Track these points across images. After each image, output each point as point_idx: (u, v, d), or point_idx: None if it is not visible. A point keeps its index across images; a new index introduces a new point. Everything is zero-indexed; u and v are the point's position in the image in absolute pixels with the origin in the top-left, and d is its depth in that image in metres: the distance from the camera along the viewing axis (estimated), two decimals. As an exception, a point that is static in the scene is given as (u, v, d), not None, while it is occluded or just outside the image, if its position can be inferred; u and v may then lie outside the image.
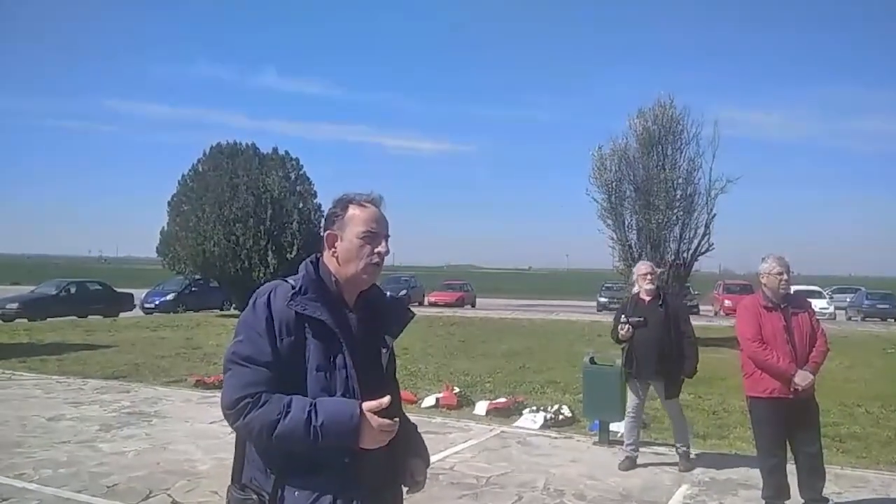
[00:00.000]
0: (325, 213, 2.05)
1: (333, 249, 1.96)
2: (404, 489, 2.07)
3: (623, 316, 5.96)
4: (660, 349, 5.81)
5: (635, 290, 6.22)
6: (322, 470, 1.81)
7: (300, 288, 1.88)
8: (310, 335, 1.84)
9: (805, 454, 4.66)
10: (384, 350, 1.98)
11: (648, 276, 6.04)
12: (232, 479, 1.95)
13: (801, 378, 4.44)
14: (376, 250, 1.96)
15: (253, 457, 1.88)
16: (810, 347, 4.57)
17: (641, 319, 5.87)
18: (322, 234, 2.03)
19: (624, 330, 5.89)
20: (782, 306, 4.61)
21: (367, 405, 1.79)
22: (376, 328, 1.99)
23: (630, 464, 5.96)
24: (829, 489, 5.35)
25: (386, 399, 1.82)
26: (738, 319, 4.76)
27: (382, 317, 2.02)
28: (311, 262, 1.98)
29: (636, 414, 6.08)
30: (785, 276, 4.59)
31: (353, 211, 1.97)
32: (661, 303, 5.99)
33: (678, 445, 6.03)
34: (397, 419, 1.85)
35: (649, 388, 6.02)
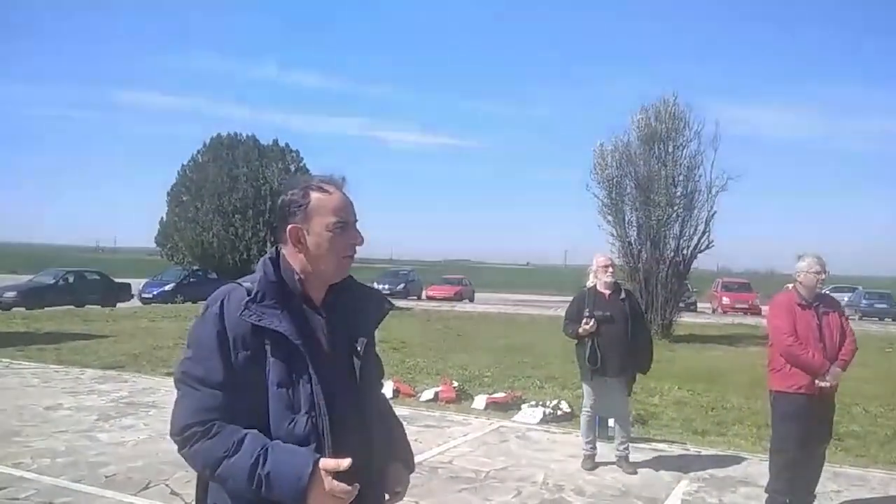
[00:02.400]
0: (281, 200, 1.75)
1: (300, 245, 1.71)
2: (385, 497, 1.86)
3: (587, 310, 5.74)
4: (624, 345, 5.71)
5: (590, 283, 6.01)
6: None
7: (255, 294, 1.65)
8: (269, 348, 1.63)
9: (818, 453, 4.71)
10: (356, 357, 1.75)
11: (609, 269, 5.93)
12: (196, 501, 1.77)
13: (833, 376, 4.49)
14: (350, 242, 1.76)
15: None
16: (840, 346, 4.61)
17: (608, 314, 5.73)
18: (280, 226, 1.75)
19: (589, 325, 5.66)
20: (815, 305, 4.64)
21: (324, 463, 1.56)
22: (347, 329, 1.76)
23: (592, 463, 5.86)
24: (827, 487, 5.37)
25: (345, 462, 1.57)
26: (773, 315, 4.78)
27: (354, 314, 1.80)
28: (271, 258, 1.75)
29: (594, 412, 5.94)
30: (823, 276, 4.64)
31: (317, 198, 1.72)
32: (622, 297, 5.91)
33: (623, 447, 5.86)
34: (356, 485, 1.59)
35: (606, 384, 5.82)
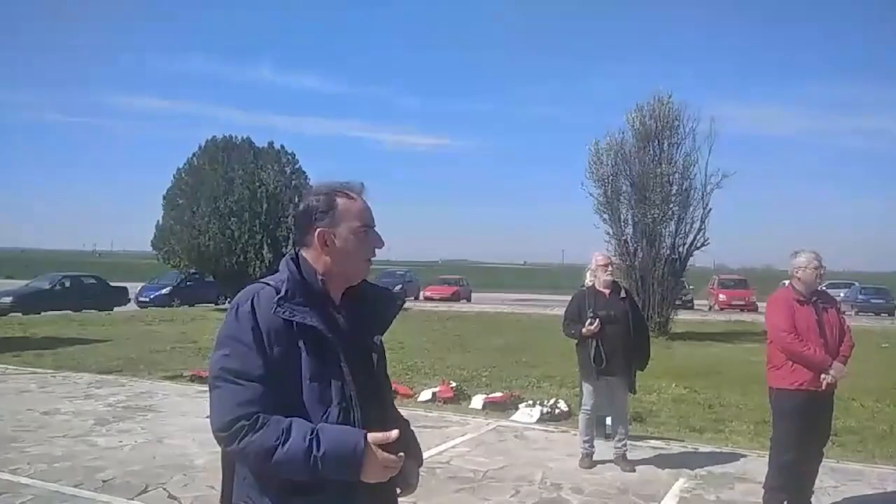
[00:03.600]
0: (305, 205, 1.85)
1: (326, 247, 1.79)
2: (397, 490, 1.94)
3: (590, 311, 5.74)
4: (627, 344, 5.73)
5: (589, 282, 6.02)
6: (324, 487, 1.68)
7: (286, 291, 1.72)
8: (301, 344, 1.70)
9: (816, 450, 4.71)
10: (374, 351, 1.86)
11: (608, 268, 5.93)
12: (222, 499, 1.83)
13: (837, 371, 4.49)
14: (372, 246, 1.86)
15: (246, 474, 1.74)
16: (839, 341, 4.61)
17: (612, 314, 5.73)
18: (304, 229, 1.83)
19: (594, 325, 5.66)
20: (813, 300, 4.64)
21: (372, 437, 1.66)
22: (364, 326, 1.86)
23: (590, 461, 5.87)
24: (825, 483, 5.38)
25: (394, 433, 1.70)
26: (771, 312, 4.75)
27: (369, 312, 1.89)
28: (293, 259, 1.82)
29: (594, 411, 5.95)
30: (821, 271, 4.64)
31: (343, 203, 1.82)
32: (622, 296, 5.91)
33: (621, 445, 5.87)
34: (402, 454, 1.72)
35: (608, 383, 5.82)
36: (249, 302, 1.72)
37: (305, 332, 1.70)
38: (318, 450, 1.61)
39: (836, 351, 4.56)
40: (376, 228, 1.88)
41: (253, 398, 1.64)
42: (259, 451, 1.62)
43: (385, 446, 1.68)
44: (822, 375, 4.48)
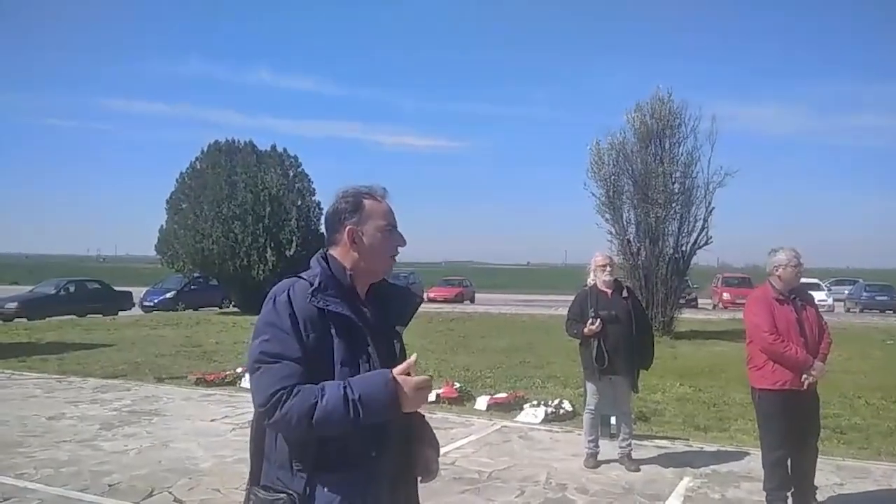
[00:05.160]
0: (334, 207, 2.02)
1: (354, 244, 1.95)
2: (419, 479, 2.08)
3: (592, 310, 5.73)
4: (630, 343, 5.73)
5: (590, 281, 6.00)
6: (352, 464, 1.81)
7: (319, 284, 1.88)
8: (333, 331, 1.85)
9: (810, 446, 4.69)
10: (396, 340, 2.03)
11: (607, 268, 5.92)
12: (251, 482, 1.92)
13: (818, 370, 4.49)
14: (396, 244, 2.02)
15: (274, 456, 1.86)
16: (819, 339, 4.60)
17: (613, 314, 5.72)
18: (334, 228, 2.00)
19: (595, 325, 5.65)
20: (792, 298, 4.62)
21: (396, 370, 1.81)
22: (387, 318, 2.02)
23: (595, 461, 5.86)
24: (830, 480, 5.38)
25: (413, 358, 1.87)
26: (751, 312, 4.72)
27: (391, 306, 2.05)
28: (323, 257, 1.99)
29: (598, 411, 5.94)
30: (801, 269, 4.63)
31: (369, 205, 1.99)
32: (625, 295, 5.91)
33: (626, 445, 5.87)
34: (430, 374, 1.86)
35: (611, 382, 5.83)
36: (286, 293, 1.87)
37: (337, 320, 1.86)
38: (353, 394, 1.74)
39: (815, 349, 4.55)
40: (399, 229, 2.05)
41: (291, 374, 1.78)
42: (301, 412, 1.73)
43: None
44: (804, 375, 4.48)
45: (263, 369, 1.80)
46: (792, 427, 4.54)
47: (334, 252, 1.99)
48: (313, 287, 1.88)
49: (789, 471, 4.64)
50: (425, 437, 2.08)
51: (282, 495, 1.81)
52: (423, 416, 2.10)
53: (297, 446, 1.82)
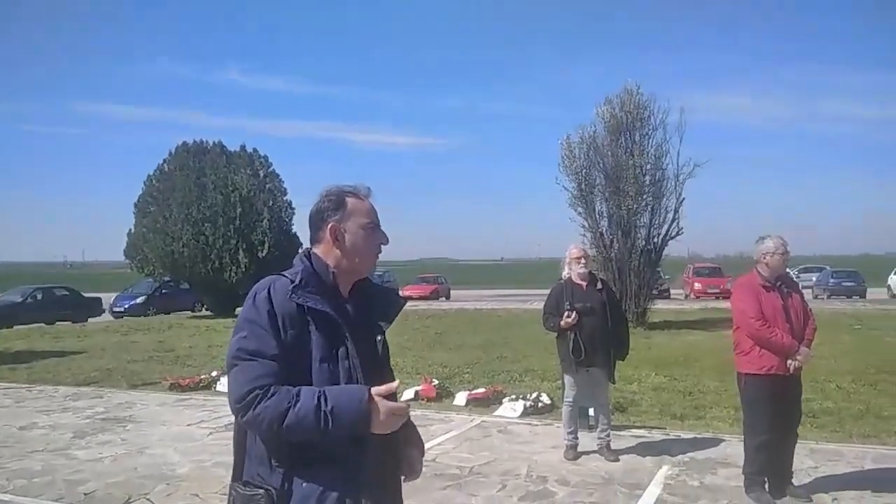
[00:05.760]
0: (317, 206, 2.02)
1: (337, 242, 1.96)
2: (402, 478, 2.08)
3: (567, 303, 5.77)
4: (606, 334, 5.78)
5: (565, 274, 6.05)
6: (329, 461, 1.81)
7: (300, 281, 1.89)
8: (312, 328, 1.85)
9: (792, 432, 4.78)
10: (379, 337, 2.02)
11: (582, 260, 5.97)
12: (233, 478, 1.93)
13: (804, 355, 4.58)
14: (379, 242, 2.03)
15: (255, 452, 1.87)
16: (804, 325, 4.69)
17: (588, 306, 5.77)
18: (317, 226, 2.00)
19: (571, 318, 5.70)
20: (778, 285, 4.70)
21: (375, 390, 1.80)
22: (370, 316, 2.02)
23: (574, 452, 5.91)
24: (805, 464, 5.47)
25: (395, 384, 1.86)
26: (738, 298, 4.80)
27: (375, 304, 2.06)
28: (306, 255, 1.99)
29: (576, 403, 5.99)
30: (787, 256, 4.72)
31: (352, 203, 2.00)
32: (599, 287, 5.96)
33: (605, 435, 5.94)
34: (409, 403, 1.85)
35: (588, 374, 5.87)
36: (267, 290, 1.88)
37: (317, 317, 1.86)
38: (326, 405, 1.73)
39: (801, 335, 4.64)
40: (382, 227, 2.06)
41: (267, 373, 1.78)
42: (273, 416, 1.73)
43: (388, 397, 1.81)
44: (789, 361, 4.56)
45: (240, 366, 1.81)
46: (777, 411, 4.62)
47: (317, 250, 1.99)
48: (294, 284, 1.88)
49: (770, 456, 4.72)
50: (410, 437, 2.07)
51: (260, 491, 1.81)
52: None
53: (272, 442, 1.82)
